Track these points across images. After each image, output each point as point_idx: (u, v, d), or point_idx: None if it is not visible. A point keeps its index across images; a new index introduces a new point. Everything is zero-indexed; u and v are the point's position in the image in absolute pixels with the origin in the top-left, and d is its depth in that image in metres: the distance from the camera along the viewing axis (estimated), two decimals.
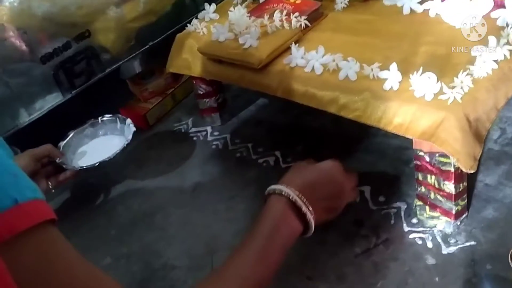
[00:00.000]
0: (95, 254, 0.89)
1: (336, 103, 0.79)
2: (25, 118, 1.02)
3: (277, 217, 0.62)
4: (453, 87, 0.69)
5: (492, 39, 0.73)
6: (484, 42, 0.74)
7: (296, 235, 0.64)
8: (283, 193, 0.63)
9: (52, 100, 1.06)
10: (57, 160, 0.95)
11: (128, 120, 1.05)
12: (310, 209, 0.64)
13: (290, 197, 0.63)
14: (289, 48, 0.88)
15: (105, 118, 1.09)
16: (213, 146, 1.11)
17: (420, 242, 0.78)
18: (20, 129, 1.02)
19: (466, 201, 0.78)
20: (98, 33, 1.11)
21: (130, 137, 1.00)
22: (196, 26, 1.05)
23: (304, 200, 0.64)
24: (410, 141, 0.75)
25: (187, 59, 1.03)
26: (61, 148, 1.01)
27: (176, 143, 1.15)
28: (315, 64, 0.83)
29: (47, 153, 0.94)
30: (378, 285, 0.74)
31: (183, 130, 1.19)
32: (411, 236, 0.80)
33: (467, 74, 0.70)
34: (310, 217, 0.64)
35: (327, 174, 0.69)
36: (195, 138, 1.15)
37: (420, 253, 0.77)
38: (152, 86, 1.24)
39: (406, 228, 0.81)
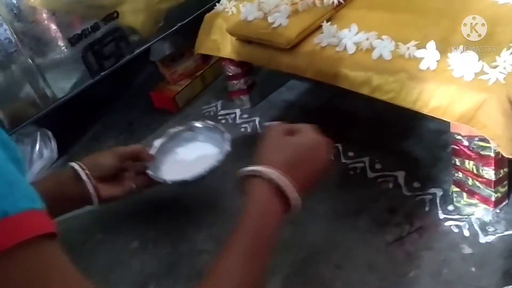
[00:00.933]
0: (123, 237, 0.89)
1: (369, 84, 0.76)
2: (54, 100, 1.03)
3: (263, 208, 0.57)
4: (495, 67, 0.64)
5: None
6: None
7: (283, 218, 0.59)
8: (265, 177, 0.58)
9: (82, 82, 1.06)
10: (144, 164, 0.87)
11: (227, 135, 0.89)
12: (295, 188, 0.58)
13: (274, 182, 0.57)
14: (320, 27, 0.85)
15: (202, 125, 0.95)
16: (242, 129, 1.09)
17: (456, 230, 0.75)
18: (49, 111, 1.02)
19: (506, 188, 0.73)
20: (127, 14, 1.10)
21: (221, 157, 0.85)
22: (225, 5, 1.02)
23: (288, 181, 0.58)
24: (447, 125, 0.71)
25: (216, 40, 1.01)
26: (156, 148, 0.92)
27: None
28: (347, 43, 0.79)
29: (135, 155, 0.86)
30: (411, 274, 0.71)
31: (212, 113, 1.17)
32: (447, 223, 0.76)
33: (511, 53, 0.65)
34: (296, 203, 0.59)
35: (308, 148, 0.63)
36: (223, 121, 1.13)
37: (456, 242, 0.73)
38: (182, 68, 1.22)
39: (441, 216, 0.77)
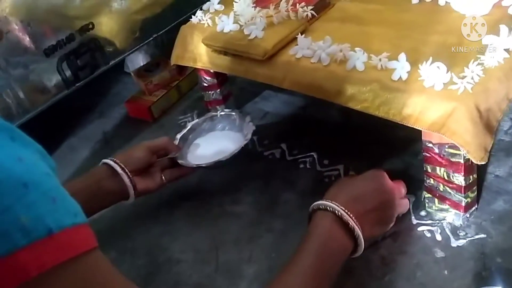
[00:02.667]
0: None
1: (343, 94, 0.78)
2: (29, 111, 1.02)
3: (325, 234, 0.60)
4: (463, 77, 0.67)
5: (503, 28, 0.71)
6: (495, 31, 0.72)
7: (347, 252, 0.62)
8: (328, 209, 0.61)
9: (57, 93, 1.06)
10: (172, 154, 0.90)
11: (248, 117, 0.95)
12: (357, 224, 0.61)
13: (336, 212, 0.61)
14: (295, 39, 0.87)
15: (223, 113, 1.01)
16: None
17: (429, 235, 0.77)
18: (24, 122, 1.01)
19: (476, 193, 0.76)
20: (102, 25, 1.10)
21: (249, 136, 0.91)
22: (201, 17, 1.03)
23: (351, 214, 0.61)
24: (418, 133, 0.73)
25: (192, 51, 1.02)
26: (177, 140, 0.96)
27: None
28: (321, 55, 0.81)
29: (163, 146, 0.90)
30: (386, 279, 0.73)
31: (188, 123, 1.17)
32: (420, 228, 0.78)
33: (478, 64, 0.68)
34: (359, 232, 0.61)
35: (372, 185, 0.67)
36: None
37: (429, 246, 0.75)
38: (157, 78, 1.23)
39: (414, 221, 0.80)
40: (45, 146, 0.48)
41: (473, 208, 0.77)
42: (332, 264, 0.58)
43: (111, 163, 0.81)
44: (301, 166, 0.97)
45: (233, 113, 0.99)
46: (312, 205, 0.64)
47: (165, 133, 1.16)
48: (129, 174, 0.81)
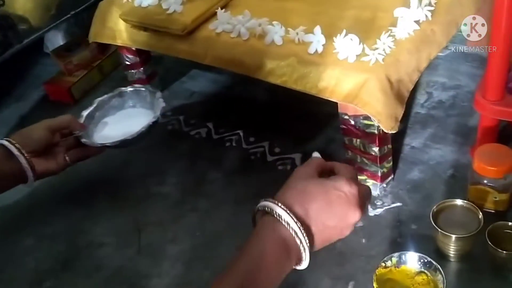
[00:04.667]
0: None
1: (263, 69, 0.77)
2: None
3: (270, 245, 0.48)
4: (375, 49, 0.68)
5: (413, 0, 0.73)
6: (406, 3, 0.74)
7: (291, 263, 0.50)
8: (280, 219, 0.49)
9: None
10: (76, 133, 0.82)
11: (158, 94, 0.88)
12: (307, 236, 0.49)
13: (288, 227, 0.48)
14: (215, 14, 0.85)
15: (132, 89, 0.91)
16: None
17: None
18: None
19: (391, 163, 0.79)
20: (15, 1, 1.04)
21: (158, 113, 0.84)
22: None
23: (304, 233, 0.48)
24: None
25: (111, 27, 0.98)
26: (83, 119, 0.86)
27: None
28: (241, 29, 0.80)
29: (66, 125, 0.82)
30: None
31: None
32: None
33: (389, 36, 0.70)
34: (306, 246, 0.49)
35: (337, 197, 0.51)
36: None
37: None
38: (77, 58, 1.17)
39: None
40: None
41: (389, 178, 0.80)
42: (270, 279, 0.48)
43: (6, 143, 0.73)
44: (227, 144, 0.97)
45: (143, 89, 0.91)
46: (260, 204, 0.51)
47: None
48: (26, 155, 0.74)
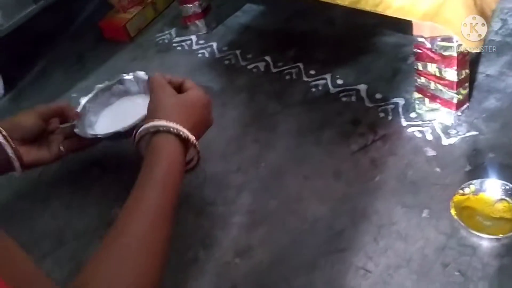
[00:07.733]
0: None
1: None
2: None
3: (172, 162, 0.56)
4: None
5: None
6: None
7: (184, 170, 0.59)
8: (171, 130, 0.57)
9: (24, 10, 0.98)
10: (70, 122, 0.79)
11: None
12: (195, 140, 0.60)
13: (181, 134, 0.58)
14: None
15: (132, 76, 0.85)
16: (199, 55, 1.05)
17: (419, 135, 0.75)
18: None
19: (467, 90, 0.74)
20: None
21: None
22: None
23: (194, 139, 0.60)
24: (407, 39, 0.70)
25: None
26: (81, 105, 0.83)
27: (160, 54, 1.09)
28: None
29: (59, 112, 0.78)
30: (377, 179, 0.71)
31: (166, 41, 1.12)
32: (410, 130, 0.77)
33: None
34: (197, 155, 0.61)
35: (201, 107, 0.64)
36: (179, 48, 1.09)
37: (419, 146, 0.74)
38: None
39: (404, 123, 0.78)
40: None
41: (465, 106, 0.75)
42: (177, 191, 0.55)
43: None
44: (287, 77, 0.94)
45: (144, 75, 0.84)
46: (146, 127, 0.59)
47: (143, 52, 1.11)
48: (12, 144, 0.70)
